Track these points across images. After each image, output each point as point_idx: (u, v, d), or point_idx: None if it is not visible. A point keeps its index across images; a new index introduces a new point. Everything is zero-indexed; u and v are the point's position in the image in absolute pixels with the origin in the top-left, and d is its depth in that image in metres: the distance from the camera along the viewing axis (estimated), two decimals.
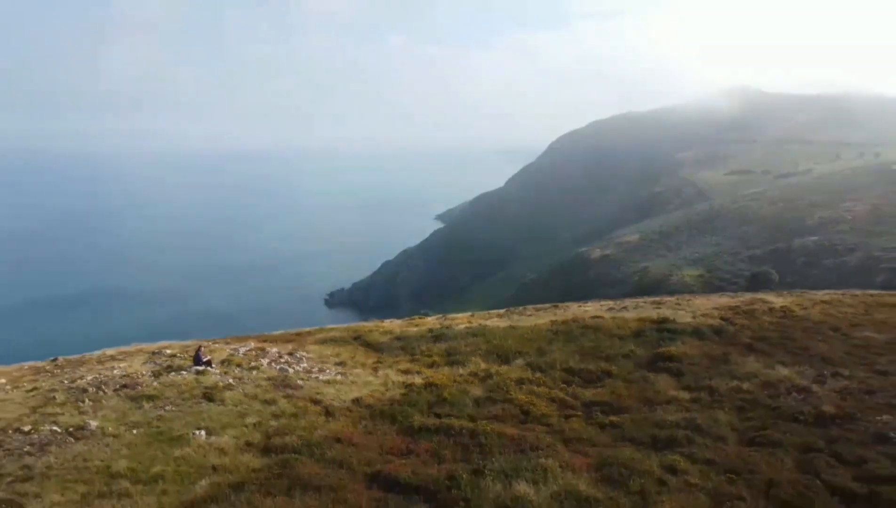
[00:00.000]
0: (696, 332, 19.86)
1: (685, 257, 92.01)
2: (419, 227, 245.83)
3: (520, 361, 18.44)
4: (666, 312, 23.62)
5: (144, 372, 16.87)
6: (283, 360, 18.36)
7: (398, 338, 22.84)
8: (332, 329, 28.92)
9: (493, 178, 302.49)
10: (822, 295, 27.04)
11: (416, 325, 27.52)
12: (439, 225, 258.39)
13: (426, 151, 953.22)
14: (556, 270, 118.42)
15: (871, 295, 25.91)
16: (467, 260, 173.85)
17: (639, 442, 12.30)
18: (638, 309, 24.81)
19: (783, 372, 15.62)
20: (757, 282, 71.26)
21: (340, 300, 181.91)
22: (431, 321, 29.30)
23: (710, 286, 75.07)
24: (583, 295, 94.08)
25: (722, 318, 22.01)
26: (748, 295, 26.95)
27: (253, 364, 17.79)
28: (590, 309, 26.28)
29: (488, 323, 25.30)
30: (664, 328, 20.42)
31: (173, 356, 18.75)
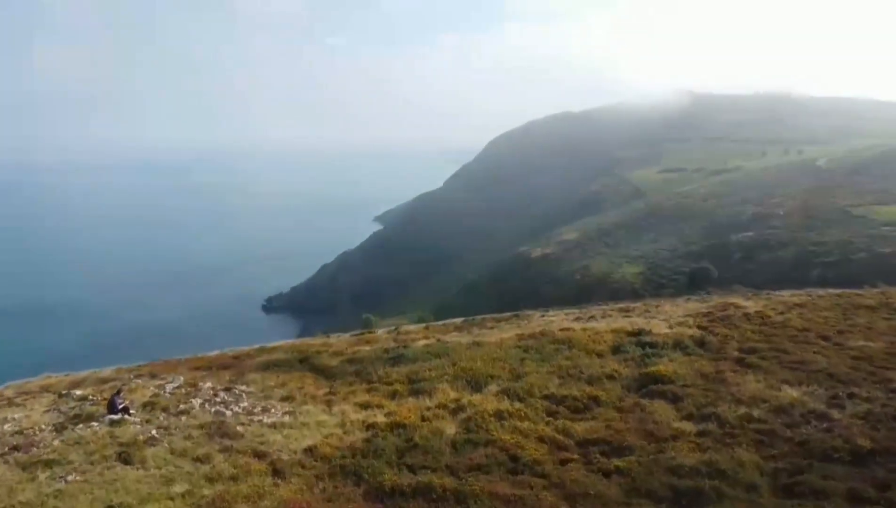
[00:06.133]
0: (679, 345, 18.33)
1: (625, 255, 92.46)
2: (358, 229, 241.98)
3: (493, 387, 16.34)
4: (638, 321, 22.07)
5: (45, 425, 13.69)
6: (218, 399, 15.47)
7: (350, 361, 20.32)
8: (274, 348, 26.05)
9: (433, 179, 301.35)
10: (788, 296, 26.27)
11: (368, 342, 25.04)
12: (378, 226, 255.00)
13: (365, 152, 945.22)
14: (497, 270, 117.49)
15: (840, 296, 25.30)
16: (408, 261, 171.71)
17: (658, 497, 10.35)
18: (608, 319, 23.18)
19: (791, 393, 14.17)
20: (697, 278, 72.02)
21: (279, 305, 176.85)
22: (384, 336, 26.86)
23: (652, 283, 75.47)
24: (525, 295, 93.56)
25: (699, 327, 20.62)
26: (717, 299, 25.84)
27: (182, 406, 14.83)
28: (555, 319, 24.48)
29: (448, 338, 23.10)
30: (643, 341, 18.80)
31: (84, 399, 15.51)
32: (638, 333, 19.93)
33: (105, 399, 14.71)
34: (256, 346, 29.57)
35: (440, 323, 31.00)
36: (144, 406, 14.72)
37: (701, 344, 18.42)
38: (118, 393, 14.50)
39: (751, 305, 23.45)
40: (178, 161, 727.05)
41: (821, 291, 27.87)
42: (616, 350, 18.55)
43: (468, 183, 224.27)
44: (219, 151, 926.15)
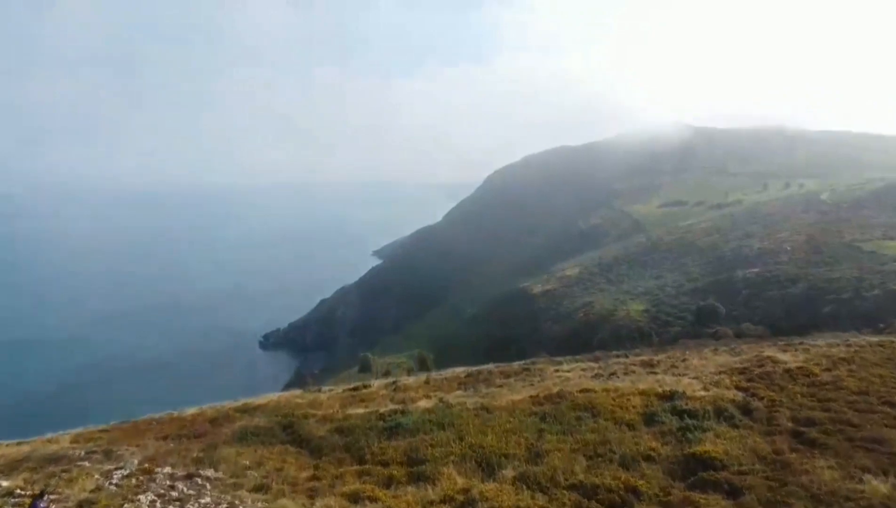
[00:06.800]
0: (721, 413, 15.72)
1: (628, 291, 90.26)
2: (356, 263, 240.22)
3: (508, 471, 13.67)
4: (666, 380, 19.45)
5: None
6: (175, 494, 12.57)
7: (340, 430, 17.60)
8: (258, 407, 23.32)
9: (430, 212, 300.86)
10: (826, 346, 23.71)
11: (363, 401, 22.32)
12: (377, 260, 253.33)
13: (361, 185, 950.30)
14: (497, 305, 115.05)
15: (883, 345, 22.78)
16: (406, 296, 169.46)
17: None
18: (631, 376, 20.55)
19: (879, 487, 11.52)
20: (704, 316, 69.65)
21: (276, 341, 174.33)
22: (381, 392, 24.16)
23: (658, 321, 73.09)
24: (527, 330, 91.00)
25: (738, 387, 18.02)
26: (749, 350, 23.24)
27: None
28: (571, 375, 21.83)
29: (452, 398, 20.41)
30: (678, 408, 16.20)
31: (9, 494, 12.60)
32: (670, 396, 17.33)
33: (29, 499, 11.77)
34: (240, 402, 26.83)
35: (442, 374, 28.30)
36: (80, 506, 11.84)
37: (746, 411, 15.82)
38: (41, 495, 11.53)
39: (790, 359, 20.86)
40: (166, 193, 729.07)
41: (859, 339, 25.34)
42: (649, 419, 15.92)
43: (467, 217, 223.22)
44: (209, 185, 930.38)
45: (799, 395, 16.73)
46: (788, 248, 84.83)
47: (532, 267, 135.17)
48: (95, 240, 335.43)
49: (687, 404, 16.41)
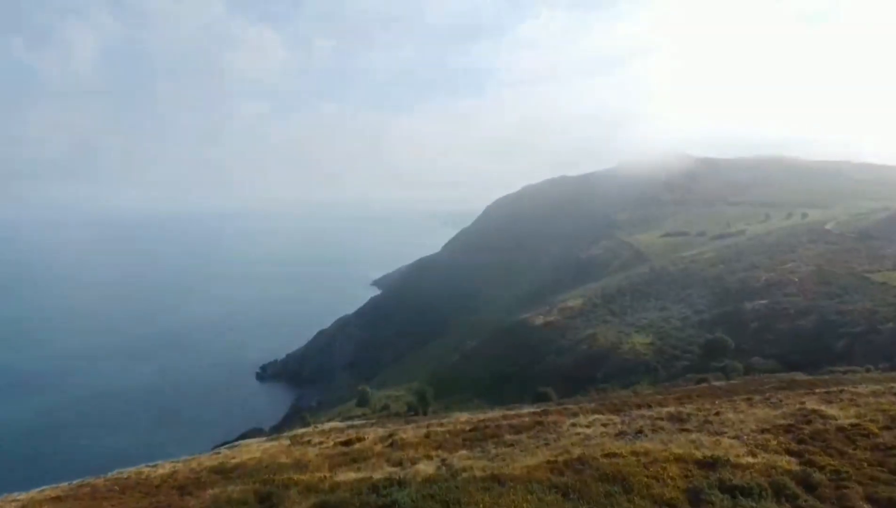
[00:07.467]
0: (780, 490, 13.22)
1: (632, 323, 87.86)
2: (355, 294, 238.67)
3: None
4: (703, 440, 16.94)
5: None
6: None
7: (324, 506, 15.05)
8: (235, 468, 20.78)
9: (428, 242, 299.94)
10: (869, 392, 21.29)
11: (355, 462, 19.73)
12: (376, 291, 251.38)
13: (362, 216, 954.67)
14: (498, 337, 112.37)
15: None
16: (406, 327, 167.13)
17: None
18: (659, 434, 18.01)
19: None
20: (712, 350, 67.33)
21: (274, 372, 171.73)
22: (375, 448, 21.57)
23: (664, 355, 70.69)
24: (529, 362, 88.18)
25: (790, 452, 15.52)
26: (790, 402, 20.76)
27: None
28: (590, 432, 19.29)
29: (456, 460, 17.86)
30: (726, 482, 13.70)
31: None
32: (712, 463, 14.85)
33: None
34: (220, 457, 24.27)
35: (444, 423, 25.67)
36: None
37: (809, 486, 13.35)
38: None
39: (839, 414, 18.39)
40: (171, 226, 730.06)
41: None
42: (693, 496, 13.37)
43: (467, 247, 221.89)
44: (211, 217, 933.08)
45: (866, 465, 14.27)
46: (796, 279, 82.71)
47: (533, 298, 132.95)
48: (85, 270, 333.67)
49: (735, 476, 13.92)
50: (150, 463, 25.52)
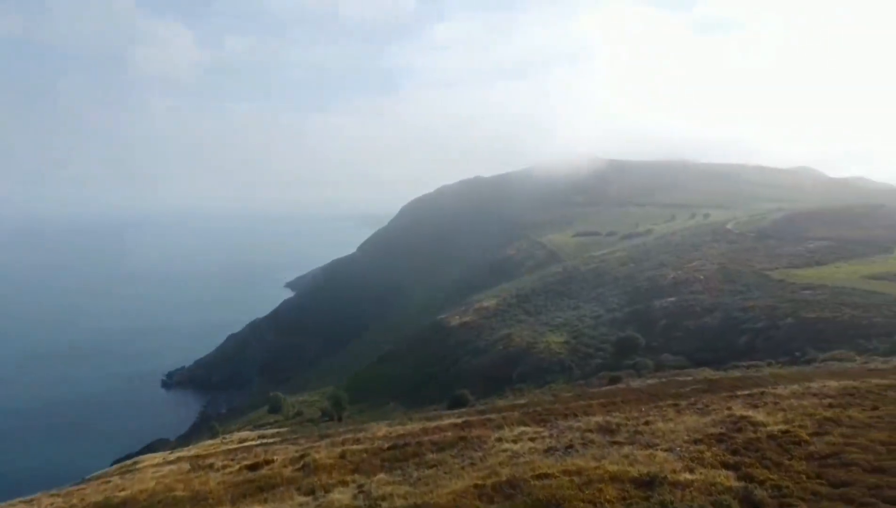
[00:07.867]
0: None
1: (546, 323, 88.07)
2: (268, 296, 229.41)
3: None
4: (636, 454, 15.58)
5: None
6: None
7: None
8: (122, 504, 17.64)
9: (342, 243, 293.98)
10: (792, 397, 20.83)
11: (262, 491, 17.12)
12: (290, 293, 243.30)
13: (276, 217, 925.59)
14: (414, 339, 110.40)
15: (851, 394, 20.17)
16: (321, 330, 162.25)
17: None
18: (591, 448, 16.53)
19: None
20: (624, 348, 68.16)
21: (180, 380, 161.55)
22: (285, 472, 18.98)
23: (578, 353, 70.95)
24: (447, 363, 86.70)
25: (726, 465, 14.38)
26: (717, 407, 19.91)
27: None
28: (518, 448, 17.55)
29: (375, 487, 15.64)
30: (667, 505, 12.29)
31: None
32: (650, 482, 13.45)
33: None
34: (110, 484, 20.88)
35: (360, 442, 23.29)
36: None
37: (752, 505, 12.17)
38: None
39: (768, 420, 17.57)
40: (68, 228, 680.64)
41: (819, 385, 22.74)
42: None
43: (382, 248, 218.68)
44: (114, 218, 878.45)
45: (804, 477, 13.25)
46: (702, 278, 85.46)
47: (449, 299, 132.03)
48: None
49: (675, 496, 12.54)
50: (25, 498, 21.92)
